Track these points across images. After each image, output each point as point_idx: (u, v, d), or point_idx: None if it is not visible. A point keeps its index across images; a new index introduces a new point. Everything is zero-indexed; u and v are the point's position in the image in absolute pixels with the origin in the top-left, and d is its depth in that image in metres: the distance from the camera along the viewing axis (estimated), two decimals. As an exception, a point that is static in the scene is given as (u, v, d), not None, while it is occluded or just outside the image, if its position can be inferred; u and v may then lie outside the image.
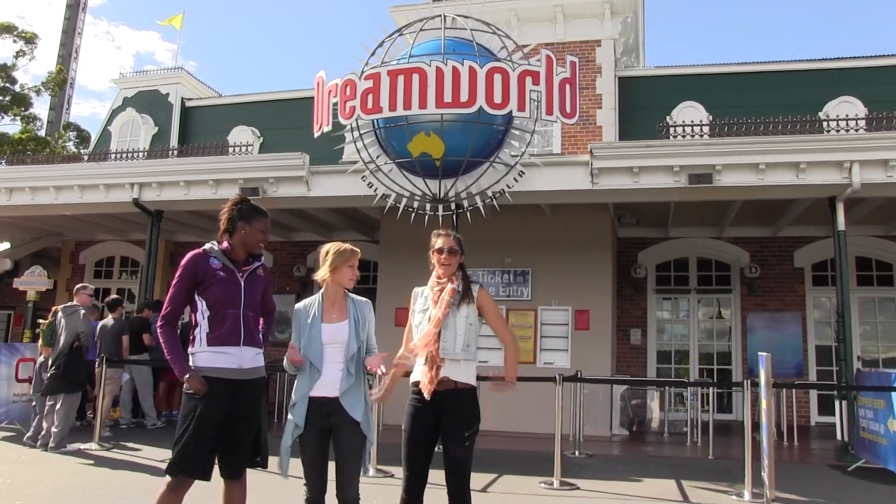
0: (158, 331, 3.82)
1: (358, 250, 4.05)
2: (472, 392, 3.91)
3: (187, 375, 3.69)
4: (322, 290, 4.03)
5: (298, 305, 4.08)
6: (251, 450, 3.86)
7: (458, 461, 3.81)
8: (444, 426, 3.83)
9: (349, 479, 3.79)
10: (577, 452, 9.17)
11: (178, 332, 3.96)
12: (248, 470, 3.93)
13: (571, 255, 11.49)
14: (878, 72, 14.31)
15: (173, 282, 3.83)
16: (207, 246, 3.90)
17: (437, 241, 4.04)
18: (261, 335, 4.01)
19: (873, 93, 13.81)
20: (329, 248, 4.01)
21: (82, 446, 8.64)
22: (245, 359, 3.81)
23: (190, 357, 3.79)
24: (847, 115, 12.54)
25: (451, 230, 4.20)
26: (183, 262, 3.83)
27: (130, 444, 9.01)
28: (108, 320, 10.50)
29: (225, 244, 3.91)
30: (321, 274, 3.98)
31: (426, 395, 3.82)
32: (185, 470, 3.63)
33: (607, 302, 11.61)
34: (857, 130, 11.59)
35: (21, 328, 16.42)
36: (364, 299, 4.11)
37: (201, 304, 3.79)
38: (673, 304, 14.27)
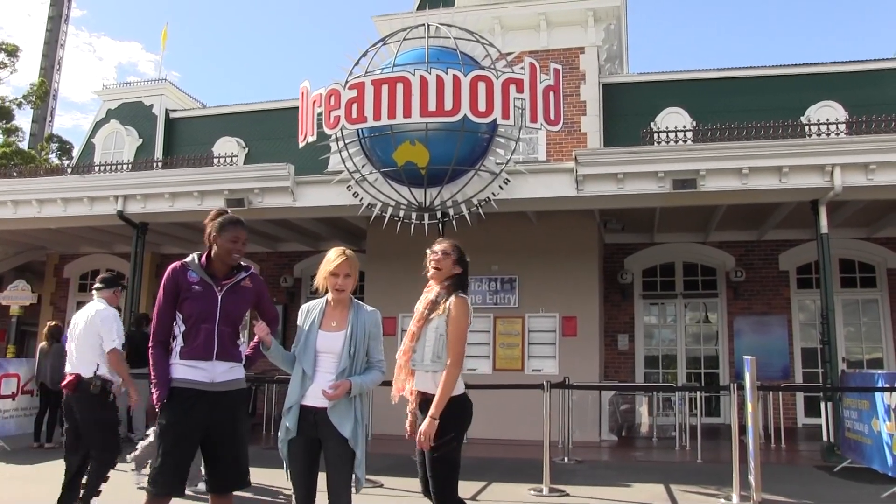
0: (150, 352, 3.85)
1: (346, 256, 3.86)
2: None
3: (159, 405, 3.75)
4: (328, 294, 3.93)
5: (304, 306, 4.00)
6: (236, 466, 3.83)
7: (435, 468, 3.81)
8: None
9: (338, 493, 3.77)
10: (566, 459, 9.18)
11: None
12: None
13: (558, 262, 11.52)
14: (859, 76, 14.47)
15: (158, 299, 3.86)
16: (188, 258, 3.90)
17: (435, 245, 4.05)
18: (239, 350, 3.96)
19: (854, 97, 13.96)
20: (327, 255, 3.93)
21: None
22: (217, 373, 3.79)
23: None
24: (828, 120, 12.68)
25: (448, 241, 4.13)
26: (164, 277, 3.86)
27: (119, 460, 8.90)
28: None
29: (204, 258, 3.91)
30: (317, 280, 3.91)
31: (393, 401, 3.96)
32: (164, 485, 3.63)
33: (594, 308, 11.63)
34: (837, 134, 11.72)
35: (5, 343, 16.28)
36: (372, 309, 3.98)
37: (178, 318, 3.81)
38: (660, 309, 14.32)
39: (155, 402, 3.75)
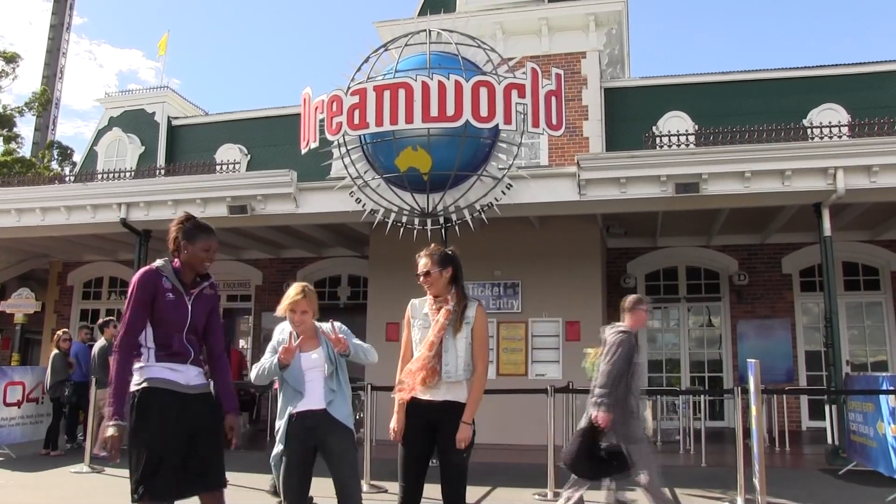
0: (115, 354, 3.60)
1: (304, 294, 4.10)
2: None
3: (115, 421, 3.49)
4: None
5: (279, 326, 4.28)
6: (220, 464, 3.74)
7: (456, 471, 3.84)
8: (443, 437, 3.84)
9: (348, 485, 3.84)
10: (570, 463, 9.14)
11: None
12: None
13: (561, 267, 11.52)
14: (860, 79, 14.48)
15: (129, 303, 3.65)
16: (160, 263, 3.77)
17: (418, 264, 4.06)
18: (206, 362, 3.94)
19: (856, 99, 13.97)
20: (288, 291, 4.18)
21: (73, 469, 8.57)
22: (191, 376, 3.73)
23: (137, 372, 3.65)
24: (830, 122, 12.68)
25: (436, 246, 4.17)
26: (136, 279, 3.68)
27: (122, 466, 8.91)
28: (101, 342, 10.44)
29: (176, 263, 3.79)
30: (279, 310, 4.17)
31: (404, 399, 3.91)
32: (150, 494, 3.50)
33: (597, 312, 11.62)
34: (840, 137, 11.72)
35: (9, 351, 16.30)
36: (329, 322, 4.26)
37: (147, 325, 3.69)
38: (663, 313, 14.31)
39: (109, 416, 3.49)
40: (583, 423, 5.90)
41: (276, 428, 4.10)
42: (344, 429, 3.94)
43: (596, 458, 5.69)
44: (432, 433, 3.88)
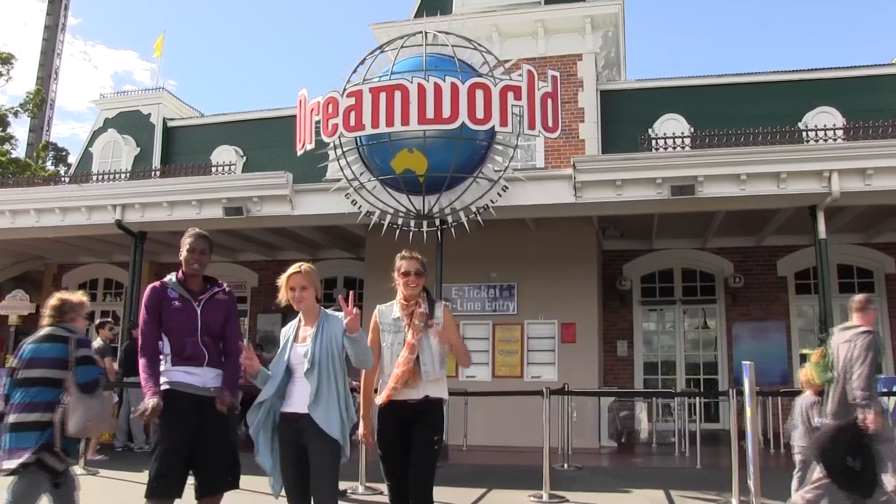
0: (139, 360, 3.94)
1: (300, 270, 4.01)
2: (441, 403, 4.14)
3: (152, 394, 3.76)
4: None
5: (284, 329, 4.21)
6: (225, 468, 3.88)
7: (424, 463, 3.95)
8: (415, 431, 3.99)
9: (323, 497, 3.81)
10: (566, 465, 9.16)
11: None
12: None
13: (557, 269, 11.52)
14: (855, 82, 14.51)
15: (141, 318, 3.99)
16: (167, 278, 4.09)
17: (403, 265, 4.19)
18: (222, 361, 4.12)
19: (851, 103, 13.99)
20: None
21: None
22: (208, 378, 3.96)
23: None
24: (825, 126, 12.70)
25: (415, 252, 4.30)
26: (144, 296, 4.03)
27: (118, 468, 8.90)
28: (97, 342, 10.41)
29: (181, 274, 4.10)
30: (280, 295, 4.08)
31: (382, 401, 4.02)
32: (163, 492, 3.69)
33: (593, 314, 11.64)
34: (835, 140, 11.74)
35: (3, 353, 16.23)
36: (340, 314, 4.06)
37: (161, 333, 3.98)
38: (659, 315, 14.32)
39: (147, 392, 3.78)
40: (839, 421, 5.50)
41: (258, 401, 3.97)
42: (324, 439, 3.74)
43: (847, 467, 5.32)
44: (407, 429, 4.01)
